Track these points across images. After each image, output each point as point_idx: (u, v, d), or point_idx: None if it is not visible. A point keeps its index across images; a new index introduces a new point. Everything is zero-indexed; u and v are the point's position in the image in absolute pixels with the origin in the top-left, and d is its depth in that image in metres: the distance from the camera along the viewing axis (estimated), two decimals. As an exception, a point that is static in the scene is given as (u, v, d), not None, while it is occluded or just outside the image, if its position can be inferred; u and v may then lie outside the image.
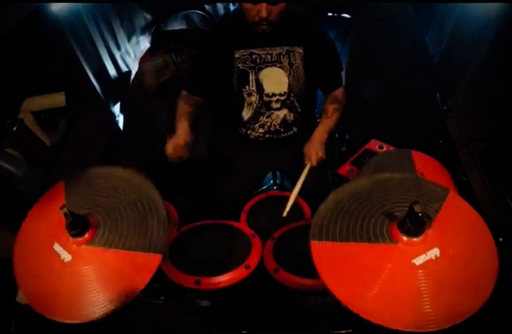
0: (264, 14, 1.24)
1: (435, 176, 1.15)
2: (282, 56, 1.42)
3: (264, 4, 1.22)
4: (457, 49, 1.65)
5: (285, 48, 1.41)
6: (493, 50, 1.42)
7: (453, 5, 1.67)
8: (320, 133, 1.46)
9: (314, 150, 1.39)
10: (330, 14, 2.27)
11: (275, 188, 1.92)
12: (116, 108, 2.17)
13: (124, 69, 2.27)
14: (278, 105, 1.48)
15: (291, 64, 1.43)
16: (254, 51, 1.41)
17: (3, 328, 1.05)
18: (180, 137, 1.36)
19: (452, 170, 1.24)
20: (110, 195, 0.90)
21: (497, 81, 1.43)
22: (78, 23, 1.79)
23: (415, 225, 0.73)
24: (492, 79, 1.45)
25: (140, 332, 1.05)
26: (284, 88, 1.45)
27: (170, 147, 1.33)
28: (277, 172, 1.88)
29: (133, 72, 2.30)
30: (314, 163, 1.38)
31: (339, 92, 1.55)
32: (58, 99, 1.61)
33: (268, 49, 1.41)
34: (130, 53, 2.32)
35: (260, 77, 1.43)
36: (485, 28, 1.44)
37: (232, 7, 2.48)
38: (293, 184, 1.76)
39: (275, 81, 1.44)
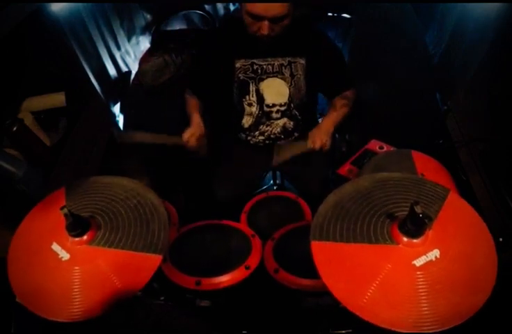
0: (265, 32, 1.22)
1: (435, 176, 1.15)
2: (283, 67, 1.40)
3: (266, 22, 1.20)
4: (457, 49, 1.65)
5: (287, 59, 1.39)
6: (493, 50, 1.42)
7: (453, 5, 1.66)
8: (327, 123, 1.40)
9: (319, 136, 1.33)
10: (330, 14, 2.27)
11: (275, 188, 1.92)
12: (116, 108, 2.17)
13: (124, 69, 2.27)
14: (278, 115, 1.48)
15: (292, 75, 1.41)
16: (256, 61, 1.39)
17: (3, 328, 1.05)
18: (194, 127, 1.36)
19: (452, 170, 1.24)
20: (112, 201, 0.91)
21: (497, 81, 1.43)
22: (78, 23, 1.79)
23: (416, 225, 0.73)
24: (492, 79, 1.45)
25: (140, 332, 1.05)
26: (285, 99, 1.44)
27: (186, 137, 1.33)
28: (277, 172, 1.88)
29: (133, 72, 2.30)
30: (317, 147, 1.33)
31: (349, 92, 1.51)
32: (58, 99, 1.61)
33: (269, 59, 1.39)
34: (130, 53, 2.32)
35: (261, 88, 1.42)
36: (485, 28, 1.44)
37: (232, 7, 2.48)
38: (294, 184, 1.77)
39: (275, 91, 1.43)
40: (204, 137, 1.37)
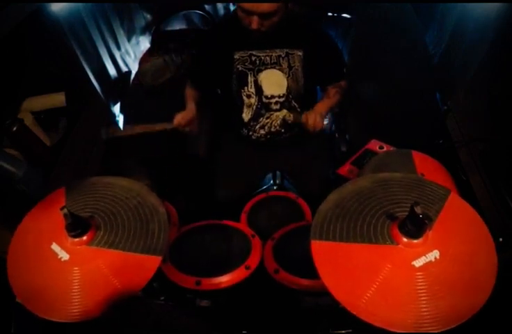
0: (254, 26, 1.25)
1: (436, 176, 1.15)
2: (281, 59, 1.42)
3: (255, 17, 1.23)
4: (457, 49, 1.65)
5: (285, 50, 1.42)
6: (493, 50, 1.42)
7: (453, 5, 1.66)
8: (320, 106, 1.47)
9: (312, 116, 1.39)
10: (330, 14, 2.26)
11: (275, 188, 1.91)
12: (116, 108, 2.17)
13: (124, 69, 2.27)
14: (277, 106, 1.49)
15: (290, 66, 1.43)
16: (254, 52, 1.41)
17: (3, 328, 1.05)
18: (187, 111, 1.45)
19: (452, 170, 1.24)
20: (112, 201, 0.91)
21: (497, 81, 1.43)
22: (78, 23, 1.79)
23: (416, 226, 0.73)
24: (492, 79, 1.45)
25: (140, 332, 1.04)
26: (283, 90, 1.46)
27: (177, 118, 1.41)
28: (277, 172, 1.88)
29: (133, 72, 2.30)
30: (311, 126, 1.39)
31: (341, 82, 1.57)
32: (58, 99, 1.61)
33: (267, 51, 1.41)
34: (130, 53, 2.32)
35: (259, 79, 1.44)
36: (485, 28, 1.44)
37: (231, 7, 2.47)
38: (294, 184, 1.77)
39: (274, 83, 1.45)
40: (195, 120, 1.45)
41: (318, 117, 1.40)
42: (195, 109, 1.48)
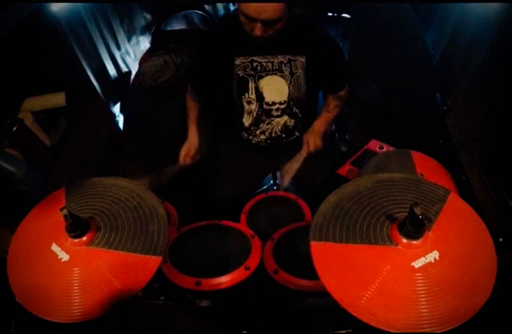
0: (258, 33, 1.21)
1: (435, 176, 1.15)
2: (283, 65, 1.39)
3: (259, 24, 1.18)
4: (457, 49, 1.65)
5: (287, 57, 1.38)
6: (493, 50, 1.42)
7: (453, 5, 1.66)
8: (319, 125, 1.54)
9: (313, 138, 1.47)
10: (330, 14, 2.26)
11: (275, 188, 1.92)
12: (116, 108, 2.17)
13: (124, 69, 2.27)
14: (278, 113, 1.48)
15: (292, 73, 1.40)
16: (255, 58, 1.38)
17: (3, 328, 1.05)
18: (189, 143, 1.52)
19: (452, 170, 1.24)
20: (112, 202, 0.91)
21: (497, 81, 1.43)
22: (78, 23, 1.79)
23: (415, 227, 0.73)
24: (492, 79, 1.45)
25: (140, 332, 1.05)
26: (284, 97, 1.44)
27: (182, 157, 1.49)
28: (277, 172, 1.88)
29: (133, 72, 2.30)
30: (312, 148, 1.47)
31: (343, 91, 1.56)
32: (58, 99, 1.61)
33: (269, 57, 1.38)
34: (130, 53, 2.32)
35: (260, 85, 1.41)
36: (485, 28, 1.44)
37: (232, 7, 2.48)
38: (294, 184, 1.77)
39: (275, 89, 1.42)
40: (198, 152, 1.53)
41: (318, 140, 1.49)
42: (197, 137, 1.53)
